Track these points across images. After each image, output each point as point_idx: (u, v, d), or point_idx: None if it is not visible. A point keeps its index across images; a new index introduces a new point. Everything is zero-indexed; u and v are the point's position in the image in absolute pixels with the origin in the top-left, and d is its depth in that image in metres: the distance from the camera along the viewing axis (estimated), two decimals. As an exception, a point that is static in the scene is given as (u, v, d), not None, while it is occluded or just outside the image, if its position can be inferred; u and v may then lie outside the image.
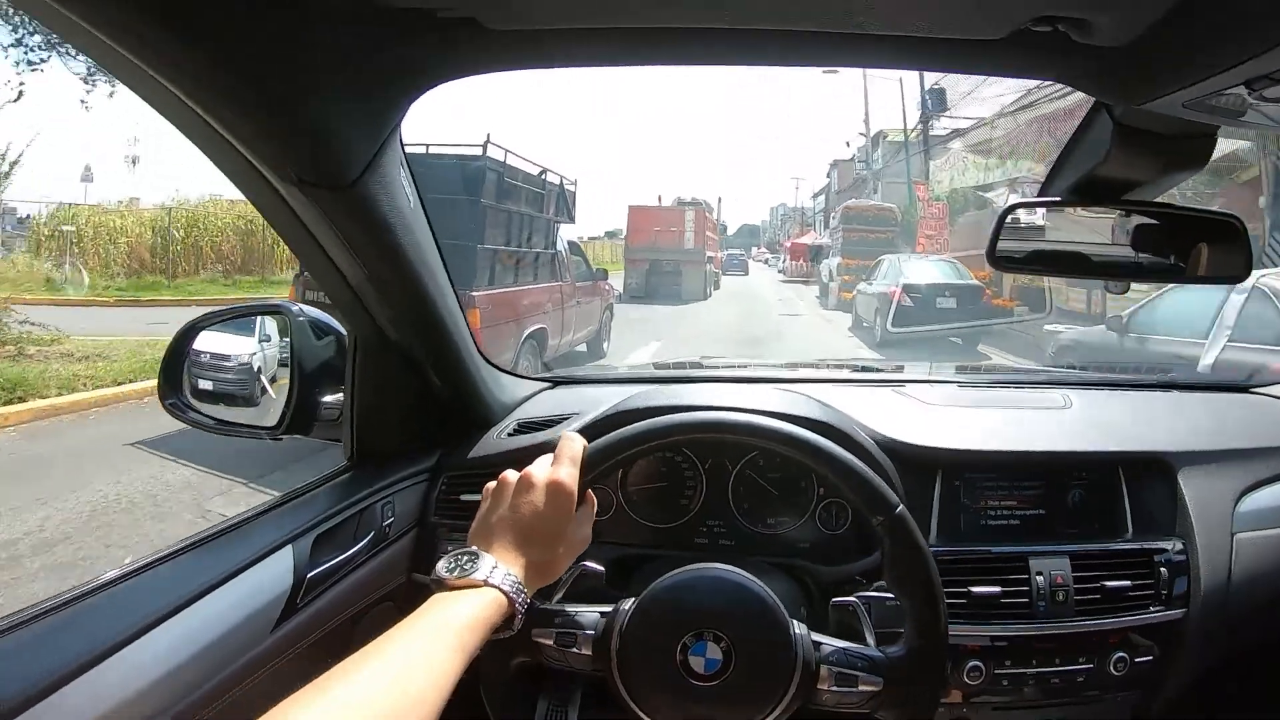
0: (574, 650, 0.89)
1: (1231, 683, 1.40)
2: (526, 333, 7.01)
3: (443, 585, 0.77)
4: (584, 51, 0.81)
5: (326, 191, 0.85)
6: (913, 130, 22.88)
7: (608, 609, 0.91)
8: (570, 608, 0.92)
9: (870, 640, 0.93)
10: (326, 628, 1.03)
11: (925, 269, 12.41)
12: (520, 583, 0.80)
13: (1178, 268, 1.05)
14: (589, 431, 0.96)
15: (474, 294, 6.10)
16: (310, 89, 0.73)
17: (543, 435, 1.29)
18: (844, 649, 0.89)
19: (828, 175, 41.34)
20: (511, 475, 0.88)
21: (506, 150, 7.23)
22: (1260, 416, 1.48)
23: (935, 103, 20.94)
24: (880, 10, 0.72)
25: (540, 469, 0.88)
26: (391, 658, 0.66)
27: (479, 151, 6.92)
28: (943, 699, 1.15)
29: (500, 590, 0.77)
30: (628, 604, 0.90)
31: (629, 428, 0.94)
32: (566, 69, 0.85)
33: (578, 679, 1.10)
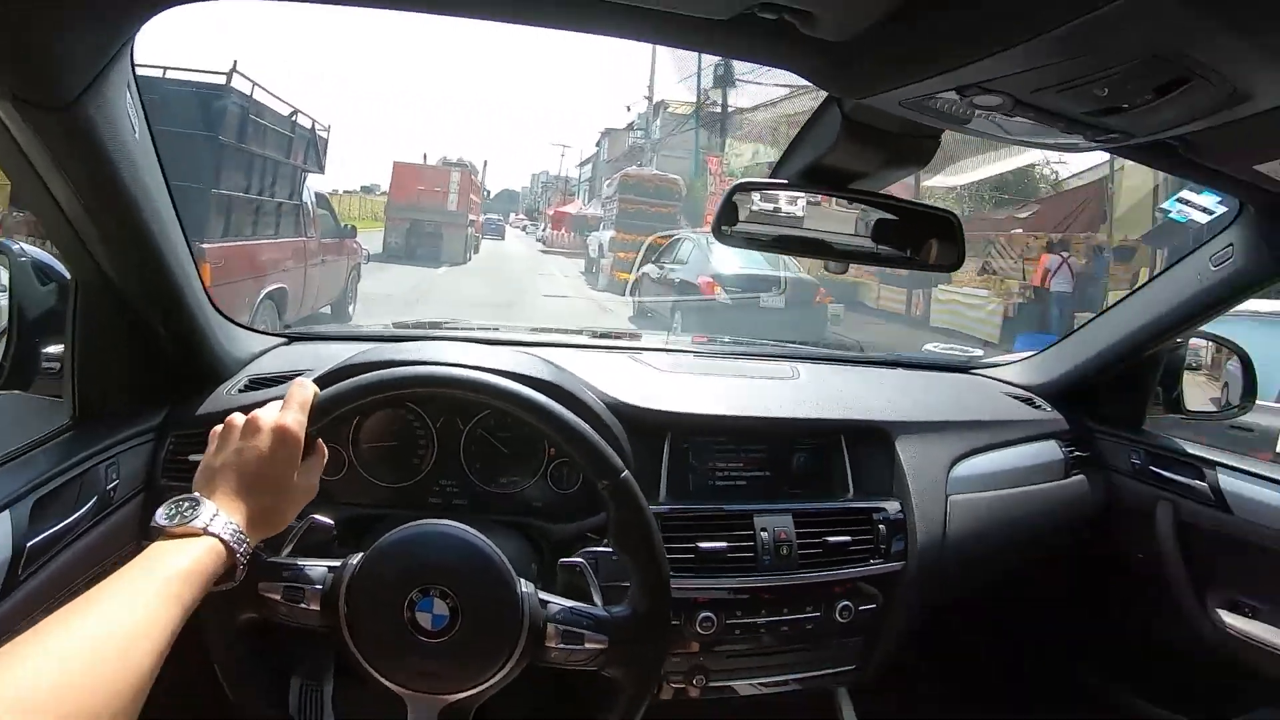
0: (302, 605, 0.87)
1: (944, 628, 1.58)
2: (265, 291, 6.20)
3: (161, 533, 0.74)
4: None
5: (41, 111, 0.78)
6: (707, 100, 21.81)
7: (336, 564, 0.89)
8: (299, 561, 0.90)
9: (597, 599, 0.97)
10: (54, 601, 0.95)
11: (736, 255, 8.75)
12: (241, 531, 0.77)
13: (910, 258, 1.14)
14: (321, 383, 0.93)
15: (205, 246, 5.30)
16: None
17: (275, 391, 1.24)
18: (570, 608, 0.92)
19: (597, 145, 40.15)
20: (239, 419, 0.85)
21: (254, 84, 6.30)
22: (975, 393, 1.67)
23: (725, 74, 19.95)
24: None
25: (268, 413, 0.85)
26: (99, 607, 0.63)
27: (223, 81, 5.96)
28: (680, 650, 1.23)
29: (219, 539, 0.74)
30: (355, 559, 0.89)
31: (361, 377, 0.92)
32: (311, 3, 0.80)
33: (328, 655, 1.08)
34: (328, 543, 0.97)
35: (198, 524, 0.74)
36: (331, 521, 0.97)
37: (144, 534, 1.13)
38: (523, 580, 0.90)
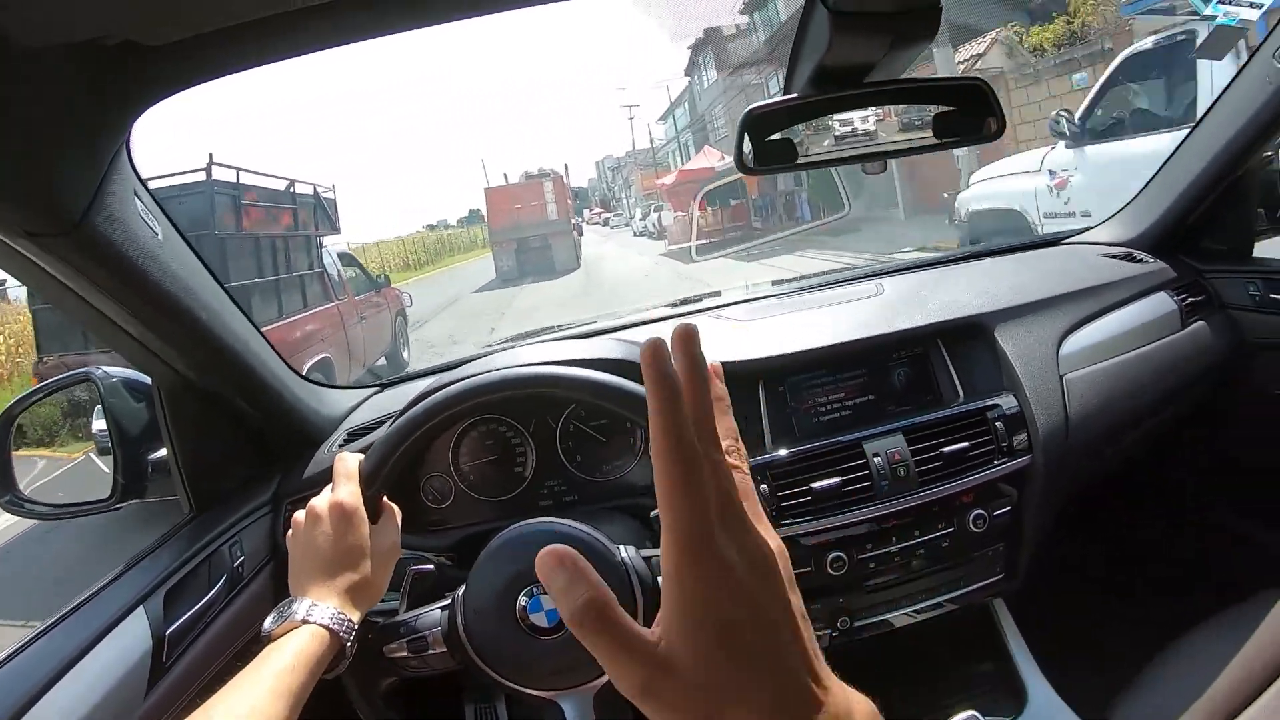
0: (430, 653, 0.88)
1: (1092, 517, 1.48)
2: (307, 368, 6.01)
3: (269, 639, 0.78)
4: (259, 48, 0.77)
5: (56, 239, 0.80)
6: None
7: (447, 602, 0.90)
8: (412, 614, 0.91)
9: None
10: (204, 679, 1.00)
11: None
12: (339, 612, 0.80)
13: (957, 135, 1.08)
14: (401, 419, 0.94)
15: None
16: (4, 138, 0.69)
17: (371, 438, 1.27)
18: None
19: (689, 72, 28.90)
20: (300, 515, 0.88)
21: (238, 169, 6.35)
22: (1070, 264, 1.56)
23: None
24: None
25: (321, 499, 0.88)
26: (211, 715, 0.66)
27: (202, 176, 5.97)
28: (819, 595, 1.19)
29: (318, 625, 0.78)
30: (461, 589, 0.90)
31: (388, 429, 0.93)
32: (260, 67, 0.81)
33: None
34: (435, 585, 0.98)
35: (295, 618, 0.78)
36: (432, 567, 0.98)
37: (280, 598, 1.18)
38: (621, 546, 0.89)
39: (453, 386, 0.95)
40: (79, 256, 0.84)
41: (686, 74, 29.46)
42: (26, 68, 0.66)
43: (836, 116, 1.06)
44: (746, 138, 0.99)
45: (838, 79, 0.97)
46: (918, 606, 1.25)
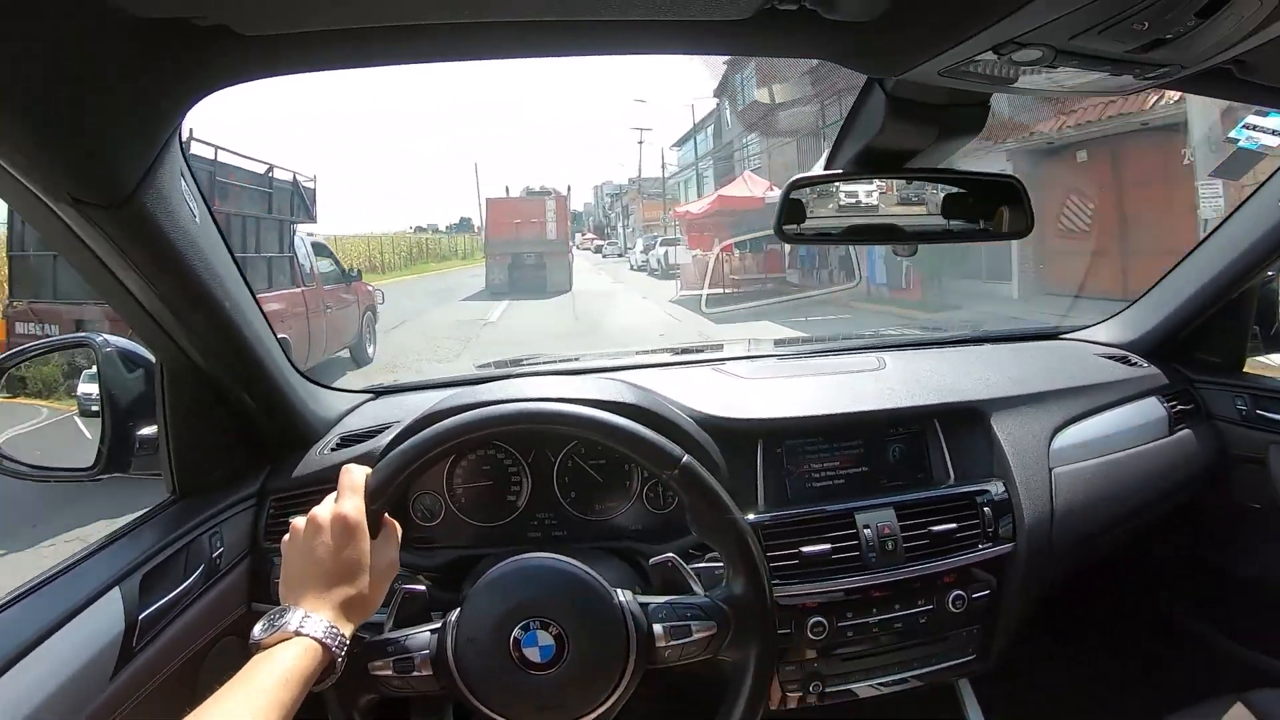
0: (414, 674, 0.87)
1: (1064, 606, 1.51)
2: None
3: (258, 647, 0.76)
4: (346, 54, 0.78)
5: (101, 210, 0.80)
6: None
7: (437, 625, 0.90)
8: (400, 633, 0.90)
9: (697, 589, 0.95)
10: (169, 669, 0.99)
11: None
12: (333, 626, 0.79)
13: (985, 230, 1.10)
14: (402, 438, 0.94)
15: None
16: (72, 105, 0.69)
17: (365, 446, 1.26)
18: (670, 602, 0.91)
19: (718, 93, 24.25)
20: (300, 522, 0.87)
21: (217, 147, 6.75)
22: (1067, 360, 1.60)
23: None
24: None
25: (324, 508, 0.86)
26: None
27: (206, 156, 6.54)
28: (794, 658, 1.20)
29: (311, 638, 0.76)
30: (453, 615, 0.89)
31: (401, 447, 0.92)
32: (338, 70, 0.82)
33: (444, 699, 1.09)
34: (425, 606, 0.97)
35: (288, 629, 0.76)
36: (424, 588, 0.97)
37: (252, 597, 1.16)
38: (619, 590, 0.89)
39: (475, 412, 0.94)
40: (121, 230, 0.84)
41: (716, 94, 25.36)
42: (114, 34, 0.66)
43: (843, 186, 1.08)
44: (788, 207, 1.01)
45: (882, 161, 0.99)
46: (885, 679, 1.26)
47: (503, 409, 0.94)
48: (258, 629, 0.78)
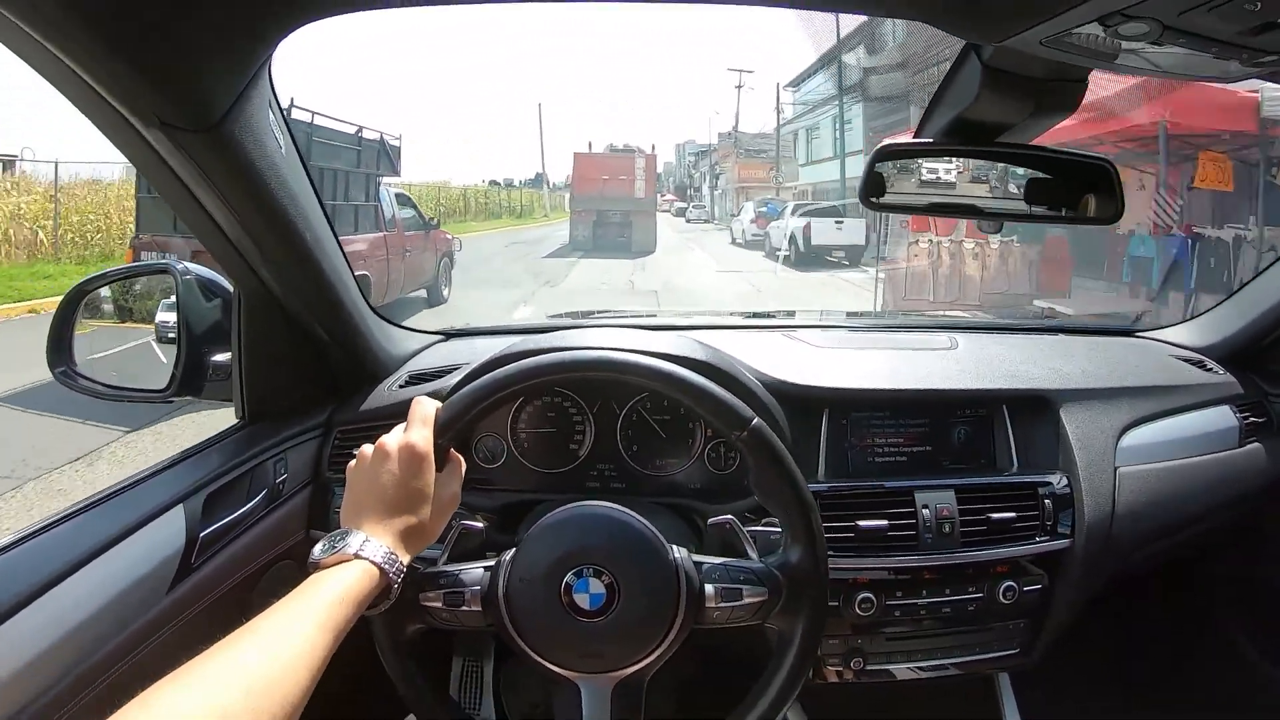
0: (464, 609, 0.88)
1: (1114, 609, 1.47)
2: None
3: (317, 567, 0.78)
4: None
5: (190, 134, 0.81)
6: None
7: (491, 563, 0.91)
8: (454, 567, 0.91)
9: (752, 554, 0.95)
10: (224, 586, 1.03)
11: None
12: (392, 552, 0.80)
13: (1065, 214, 1.08)
14: (473, 376, 0.95)
15: None
16: (165, 28, 0.70)
17: (433, 384, 1.28)
18: (725, 564, 0.91)
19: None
20: (368, 449, 0.88)
21: (314, 112, 8.15)
22: (1142, 358, 1.55)
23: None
24: None
25: (393, 437, 0.87)
26: (259, 639, 0.66)
27: (304, 118, 7.94)
28: (839, 631, 1.20)
29: (370, 562, 0.78)
30: (508, 555, 0.90)
31: (473, 385, 0.92)
32: (429, 6, 0.82)
33: (488, 636, 1.10)
34: (481, 545, 0.98)
35: (349, 551, 0.78)
36: (481, 525, 0.98)
37: (311, 524, 1.20)
38: (674, 547, 0.89)
39: (549, 355, 0.94)
40: (209, 155, 0.85)
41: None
42: None
43: (925, 164, 1.06)
44: (874, 176, 0.99)
45: (972, 133, 0.97)
46: (925, 663, 1.25)
47: (576, 354, 0.94)
48: (318, 549, 0.79)
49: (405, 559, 0.82)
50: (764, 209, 20.50)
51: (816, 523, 0.91)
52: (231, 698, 0.59)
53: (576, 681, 0.88)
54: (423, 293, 10.31)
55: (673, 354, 1.13)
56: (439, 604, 0.88)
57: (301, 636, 0.67)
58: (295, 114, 7.58)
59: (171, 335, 1.21)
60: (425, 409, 0.90)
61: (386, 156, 9.60)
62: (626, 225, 18.18)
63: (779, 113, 28.83)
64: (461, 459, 0.93)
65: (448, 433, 0.89)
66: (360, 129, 9.08)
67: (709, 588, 0.88)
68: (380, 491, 0.84)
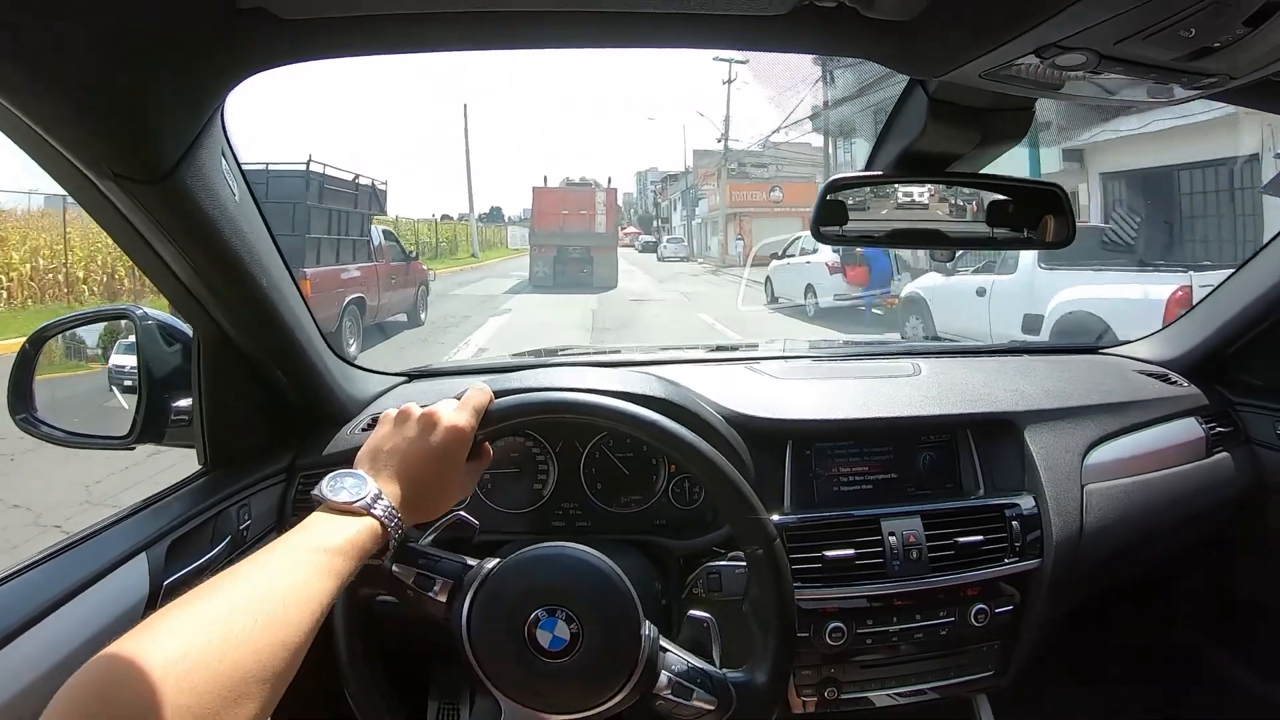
0: (429, 594, 0.87)
1: (1089, 626, 1.48)
2: (348, 299, 9.18)
3: (323, 504, 0.76)
4: (383, 39, 0.79)
5: (142, 185, 0.81)
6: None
7: (472, 563, 0.90)
8: (436, 551, 0.90)
9: (716, 658, 0.95)
10: None
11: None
12: (398, 514, 0.79)
13: (1029, 239, 1.09)
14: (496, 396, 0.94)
15: (306, 270, 8.36)
16: (114, 79, 0.70)
17: None
18: (688, 663, 0.90)
19: None
20: (414, 409, 0.87)
21: (325, 165, 9.87)
22: (1105, 375, 1.56)
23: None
24: None
25: (445, 408, 0.87)
26: (262, 571, 0.65)
27: (303, 168, 9.42)
28: (811, 662, 1.20)
29: (378, 519, 0.76)
30: (490, 563, 0.89)
31: (537, 395, 0.93)
32: (375, 55, 0.83)
33: (465, 676, 1.09)
34: (467, 541, 0.97)
35: (360, 504, 0.76)
36: (477, 523, 0.97)
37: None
38: (648, 623, 0.89)
39: (610, 401, 0.94)
40: (161, 206, 0.85)
41: None
42: (157, 10, 0.67)
43: (899, 188, 1.07)
44: (825, 208, 1.00)
45: (923, 164, 0.98)
46: (902, 690, 1.25)
47: (635, 412, 0.93)
48: (326, 485, 0.77)
49: (405, 524, 0.81)
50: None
51: (791, 657, 0.91)
52: (229, 627, 0.57)
53: (502, 706, 0.87)
54: (403, 316, 11.62)
55: (628, 391, 1.14)
56: (409, 580, 0.87)
57: (304, 576, 0.66)
58: (314, 166, 9.47)
59: (128, 382, 1.20)
60: (482, 396, 0.91)
61: (376, 199, 11.37)
62: (587, 261, 17.98)
63: (827, 81, 18.57)
64: (491, 453, 0.94)
65: (491, 425, 0.90)
66: (356, 176, 10.73)
67: (663, 675, 0.87)
68: (409, 453, 0.83)
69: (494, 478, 1.27)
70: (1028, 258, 6.62)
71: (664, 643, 0.90)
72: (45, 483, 4.40)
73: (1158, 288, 5.27)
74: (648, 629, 0.88)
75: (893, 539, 1.20)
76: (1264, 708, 1.52)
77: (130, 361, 1.18)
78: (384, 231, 11.73)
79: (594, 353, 1.74)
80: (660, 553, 1.21)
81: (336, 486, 0.77)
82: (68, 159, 0.76)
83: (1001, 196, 1.07)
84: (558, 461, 1.27)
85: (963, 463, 1.32)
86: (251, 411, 1.21)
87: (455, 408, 0.88)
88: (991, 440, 1.33)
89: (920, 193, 1.07)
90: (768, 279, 13.13)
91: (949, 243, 1.09)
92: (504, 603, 0.86)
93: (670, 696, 0.87)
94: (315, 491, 0.77)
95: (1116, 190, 11.68)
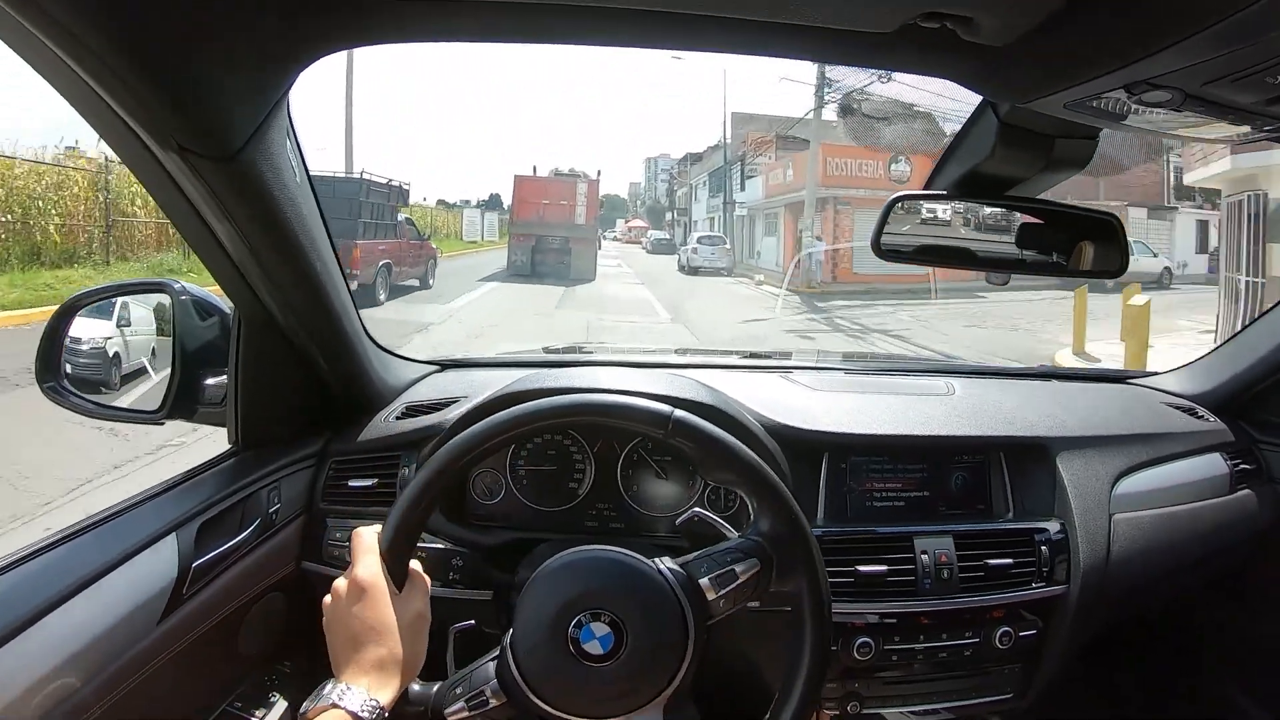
0: (490, 707, 0.84)
1: (1108, 655, 1.48)
2: (381, 263, 12.94)
3: (304, 718, 0.77)
4: (455, 26, 0.79)
5: (209, 161, 0.81)
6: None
7: (496, 654, 0.87)
8: (464, 671, 0.88)
9: (730, 534, 0.94)
10: (214, 619, 1.00)
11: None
12: (371, 698, 0.78)
13: (1058, 264, 1.08)
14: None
15: (357, 242, 12.03)
16: (191, 55, 0.69)
17: (431, 418, 1.26)
18: (707, 552, 0.89)
19: None
20: (340, 585, 0.86)
21: (370, 174, 14.30)
22: (1136, 405, 1.56)
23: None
24: None
25: (343, 578, 0.86)
26: None
27: (357, 176, 14.16)
28: (836, 676, 1.19)
29: (346, 710, 0.76)
30: (507, 637, 0.87)
31: (402, 498, 0.88)
32: (443, 42, 0.82)
33: None
34: (480, 637, 0.96)
35: (324, 702, 0.77)
36: (473, 621, 0.96)
37: (304, 556, 1.18)
38: (656, 560, 0.87)
39: (451, 444, 0.90)
40: (225, 183, 0.84)
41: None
42: None
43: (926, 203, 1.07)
44: (888, 221, 0.99)
45: (984, 186, 0.98)
46: (922, 707, 1.25)
47: (493, 422, 0.90)
48: (306, 702, 0.78)
49: (386, 697, 0.79)
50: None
51: (774, 480, 0.90)
52: None
53: None
54: (416, 281, 15.06)
55: (675, 395, 1.14)
56: (466, 713, 0.85)
57: None
58: (365, 176, 14.08)
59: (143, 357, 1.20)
60: (365, 539, 0.87)
61: (400, 194, 15.37)
62: (565, 252, 17.89)
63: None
64: (424, 575, 0.90)
65: (395, 553, 0.86)
66: (389, 180, 14.72)
67: (703, 581, 0.86)
68: (345, 632, 0.83)
69: (529, 474, 1.27)
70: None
71: (680, 560, 0.89)
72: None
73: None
74: (659, 564, 0.87)
75: (925, 557, 1.19)
76: None
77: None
78: (405, 219, 15.65)
79: (627, 351, 1.73)
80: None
81: (313, 697, 0.78)
82: (133, 130, 0.76)
83: (1034, 220, 1.07)
84: (595, 462, 1.27)
85: (994, 485, 1.32)
86: (286, 394, 1.20)
87: (354, 564, 0.86)
88: (1023, 464, 1.33)
89: (944, 210, 1.07)
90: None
91: (978, 262, 1.09)
92: (540, 646, 0.84)
93: (722, 592, 0.86)
94: (300, 712, 0.78)
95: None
